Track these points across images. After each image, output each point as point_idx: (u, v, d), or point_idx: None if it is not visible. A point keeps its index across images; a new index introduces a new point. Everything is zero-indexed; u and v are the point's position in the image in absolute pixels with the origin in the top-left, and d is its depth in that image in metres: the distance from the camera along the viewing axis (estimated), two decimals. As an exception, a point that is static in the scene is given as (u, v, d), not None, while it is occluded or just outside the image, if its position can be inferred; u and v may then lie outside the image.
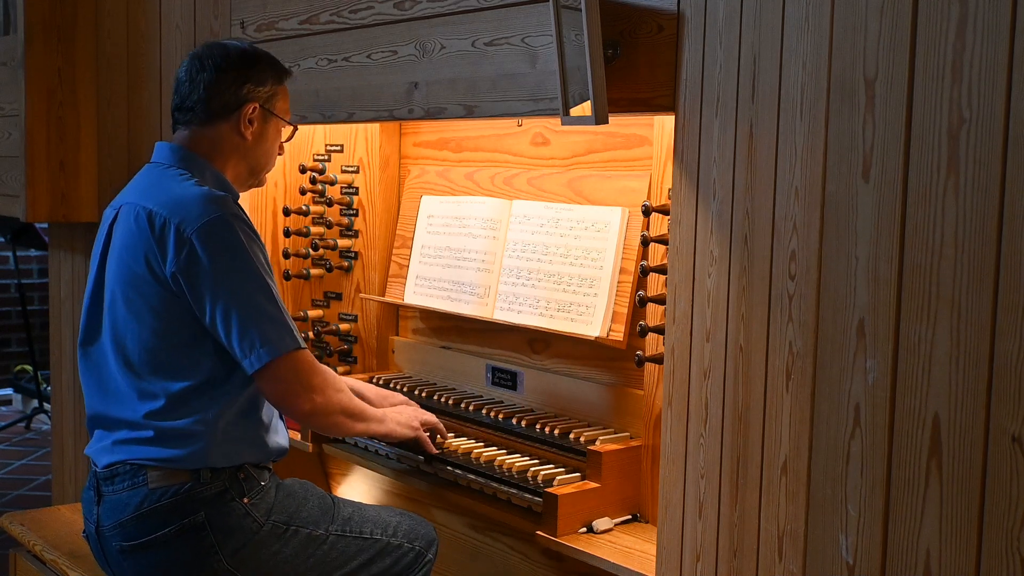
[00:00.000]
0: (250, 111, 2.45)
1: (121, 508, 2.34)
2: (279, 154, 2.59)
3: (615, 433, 2.54)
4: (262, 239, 2.40)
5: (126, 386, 2.37)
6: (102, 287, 2.46)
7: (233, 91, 2.44)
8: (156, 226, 2.30)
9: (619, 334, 2.53)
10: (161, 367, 2.34)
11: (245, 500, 2.34)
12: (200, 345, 2.33)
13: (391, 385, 3.04)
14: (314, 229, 3.35)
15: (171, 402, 2.32)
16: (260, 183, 2.60)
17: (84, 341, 2.49)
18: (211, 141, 2.46)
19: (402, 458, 2.76)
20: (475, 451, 2.66)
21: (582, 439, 2.51)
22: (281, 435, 2.49)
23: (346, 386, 2.49)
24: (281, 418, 2.52)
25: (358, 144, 3.30)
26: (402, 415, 2.63)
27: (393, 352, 3.26)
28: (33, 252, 7.41)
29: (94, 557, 2.50)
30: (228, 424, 2.34)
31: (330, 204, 3.33)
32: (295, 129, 2.59)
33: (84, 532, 2.48)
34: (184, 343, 2.33)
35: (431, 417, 2.70)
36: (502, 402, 2.85)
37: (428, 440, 2.65)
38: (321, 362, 2.50)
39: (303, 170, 3.42)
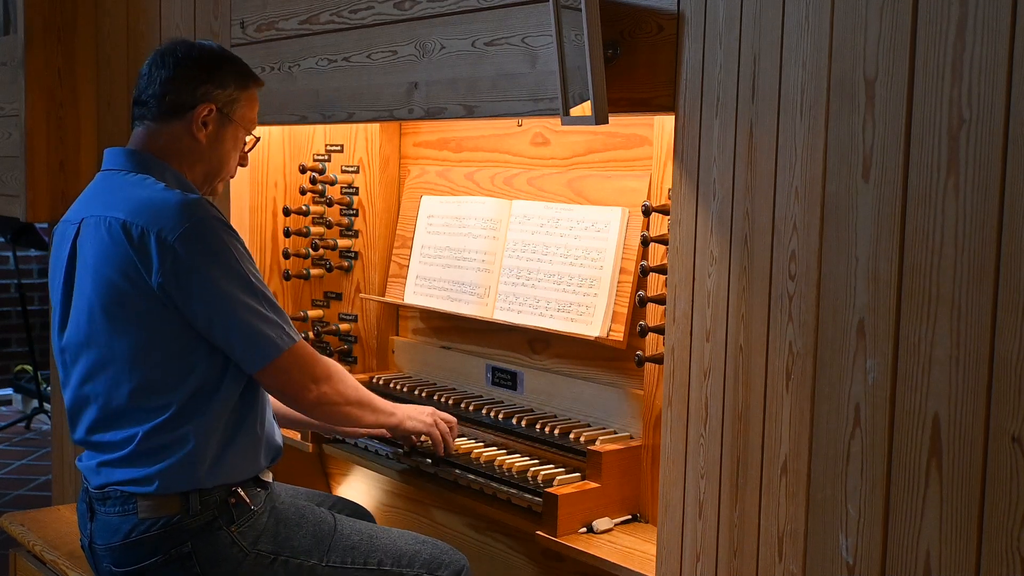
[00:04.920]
0: (204, 112, 2.37)
1: (112, 532, 2.31)
2: (241, 164, 2.50)
3: (615, 433, 2.54)
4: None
5: (113, 407, 2.30)
6: (69, 310, 2.34)
7: (189, 90, 2.36)
8: (134, 236, 2.21)
9: (619, 334, 2.53)
10: (149, 385, 2.26)
11: (232, 528, 2.29)
12: (191, 353, 2.25)
13: (391, 385, 3.04)
14: (314, 229, 3.35)
15: (160, 421, 2.26)
16: (214, 192, 2.49)
17: (65, 372, 2.39)
18: (165, 141, 2.38)
19: (402, 458, 2.76)
20: (475, 451, 2.66)
21: (582, 439, 2.51)
22: (276, 433, 2.44)
23: (353, 378, 2.44)
24: (274, 418, 2.47)
25: (358, 144, 3.30)
26: (415, 409, 2.60)
27: (393, 352, 3.26)
28: (33, 252, 7.41)
29: (90, 566, 2.50)
30: (219, 437, 2.28)
31: (330, 204, 3.33)
32: (257, 139, 2.48)
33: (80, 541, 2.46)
34: (174, 354, 2.25)
35: (448, 416, 2.65)
36: (502, 402, 2.85)
37: (440, 438, 2.61)
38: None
39: (303, 170, 3.42)
